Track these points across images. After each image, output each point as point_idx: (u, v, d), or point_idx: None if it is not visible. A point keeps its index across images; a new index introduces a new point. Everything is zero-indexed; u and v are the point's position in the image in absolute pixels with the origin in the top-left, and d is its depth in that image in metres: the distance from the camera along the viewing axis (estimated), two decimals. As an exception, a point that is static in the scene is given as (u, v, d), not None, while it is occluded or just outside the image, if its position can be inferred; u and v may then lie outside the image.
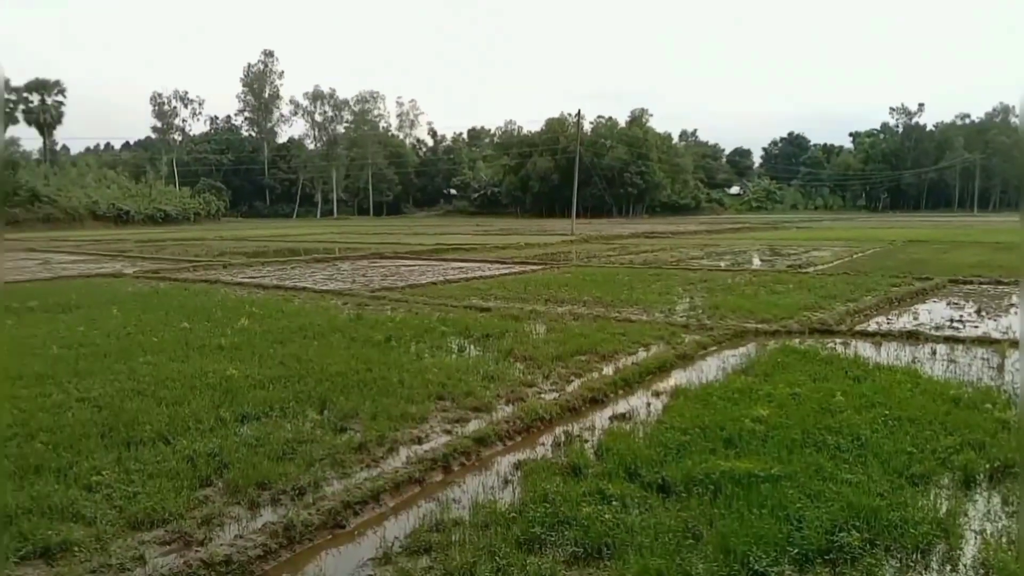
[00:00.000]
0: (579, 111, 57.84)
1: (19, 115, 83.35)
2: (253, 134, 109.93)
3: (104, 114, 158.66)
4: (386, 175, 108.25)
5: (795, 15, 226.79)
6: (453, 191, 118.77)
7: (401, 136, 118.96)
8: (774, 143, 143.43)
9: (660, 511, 5.11)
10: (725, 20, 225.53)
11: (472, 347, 10.93)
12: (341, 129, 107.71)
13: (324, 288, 18.51)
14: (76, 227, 64.30)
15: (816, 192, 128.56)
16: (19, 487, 5.42)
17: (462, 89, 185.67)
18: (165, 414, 7.17)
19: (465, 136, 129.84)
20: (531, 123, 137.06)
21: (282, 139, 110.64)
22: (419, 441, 6.78)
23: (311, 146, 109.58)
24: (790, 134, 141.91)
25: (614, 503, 5.19)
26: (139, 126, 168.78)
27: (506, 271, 22.73)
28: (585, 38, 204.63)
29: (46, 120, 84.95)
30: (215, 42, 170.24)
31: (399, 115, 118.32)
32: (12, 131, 78.46)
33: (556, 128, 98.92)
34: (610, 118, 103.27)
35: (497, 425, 7.08)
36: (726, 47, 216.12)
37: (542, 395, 8.34)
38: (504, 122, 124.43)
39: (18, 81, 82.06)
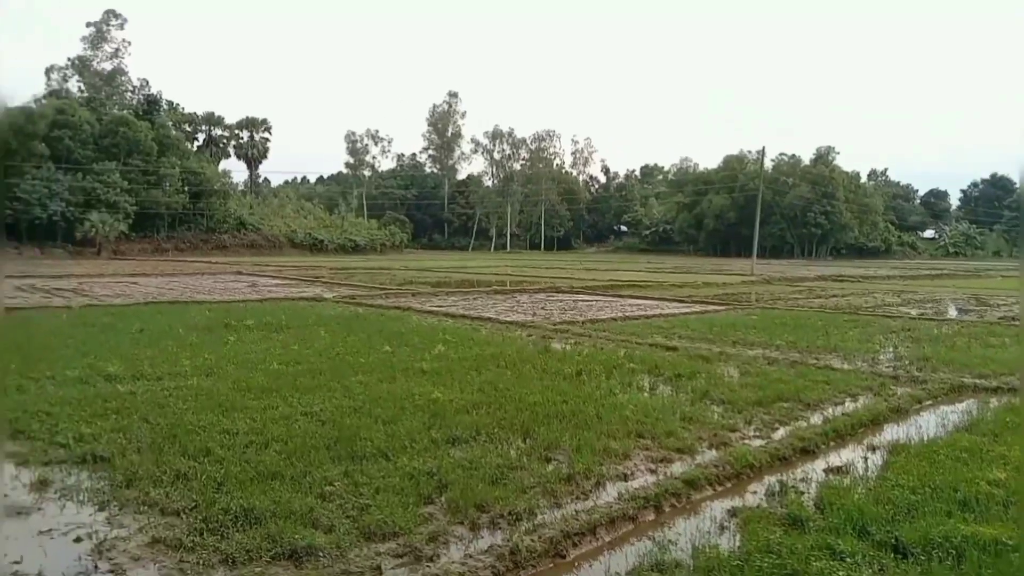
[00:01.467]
0: (762, 148, 56.18)
1: (231, 150, 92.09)
2: (435, 171, 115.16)
3: (302, 150, 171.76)
4: (558, 211, 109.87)
5: (994, 49, 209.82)
6: (624, 228, 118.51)
7: (575, 173, 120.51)
8: (974, 184, 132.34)
9: (898, 573, 4.77)
10: (919, 56, 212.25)
11: (663, 386, 10.79)
12: (517, 166, 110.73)
13: (508, 319, 18.95)
14: (276, 253, 69.78)
15: None
16: (262, 491, 5.88)
17: (636, 127, 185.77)
18: (382, 432, 7.57)
19: (638, 173, 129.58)
20: (707, 160, 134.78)
21: (461, 175, 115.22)
22: (625, 478, 6.75)
23: (488, 182, 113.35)
24: (992, 175, 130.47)
25: (847, 560, 4.90)
26: (332, 162, 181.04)
27: (687, 310, 22.31)
28: (765, 74, 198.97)
29: (253, 155, 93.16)
30: (406, 84, 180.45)
31: (574, 152, 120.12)
32: (224, 164, 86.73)
33: (734, 165, 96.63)
34: (793, 155, 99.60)
35: (705, 468, 6.91)
36: (920, 83, 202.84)
37: (746, 441, 8.07)
38: (679, 159, 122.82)
39: (231, 119, 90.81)
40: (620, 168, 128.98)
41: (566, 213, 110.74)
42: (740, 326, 17.95)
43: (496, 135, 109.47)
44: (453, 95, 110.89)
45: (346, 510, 5.58)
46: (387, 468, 6.51)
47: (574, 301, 25.16)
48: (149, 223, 64.90)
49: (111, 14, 73.04)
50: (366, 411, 8.42)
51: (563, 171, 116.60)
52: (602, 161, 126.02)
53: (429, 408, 8.59)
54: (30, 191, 56.21)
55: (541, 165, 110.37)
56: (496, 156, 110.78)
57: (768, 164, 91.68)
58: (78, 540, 5.19)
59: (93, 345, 12.90)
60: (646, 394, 10.20)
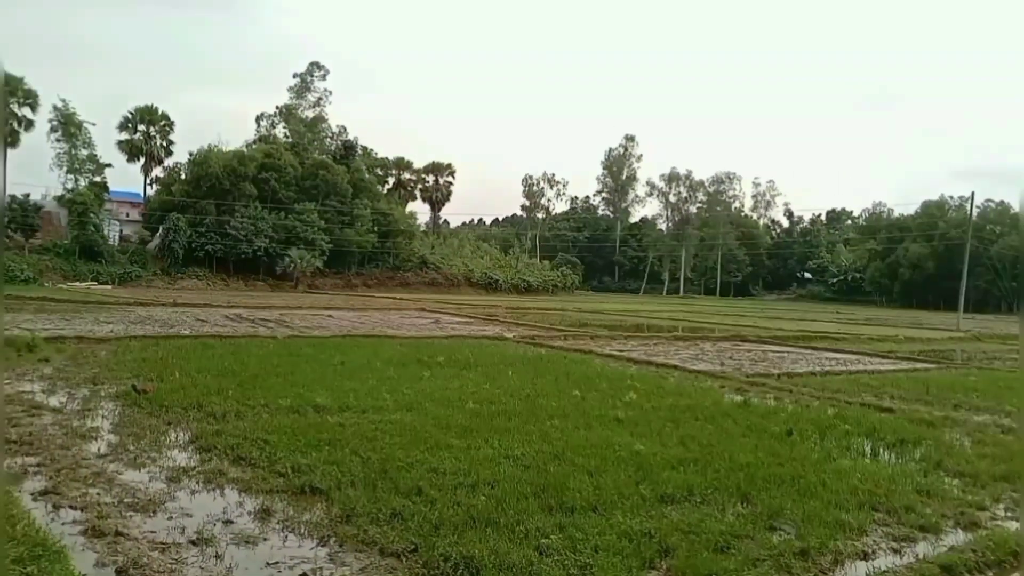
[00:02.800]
0: (972, 194, 51.50)
1: (417, 192, 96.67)
2: (608, 213, 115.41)
3: (478, 193, 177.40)
4: (736, 255, 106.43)
5: None
6: (807, 275, 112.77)
7: (755, 217, 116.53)
8: None
9: None
10: None
11: (886, 452, 9.79)
12: (694, 209, 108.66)
13: (695, 368, 18.18)
14: (454, 291, 72.07)
15: None
16: (478, 538, 5.70)
17: (822, 169, 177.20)
18: (588, 483, 7.25)
19: (823, 217, 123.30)
20: (902, 205, 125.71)
21: (634, 218, 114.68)
22: (865, 556, 6.04)
23: (662, 225, 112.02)
24: None
25: None
26: (505, 205, 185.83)
27: (892, 367, 20.54)
28: (967, 110, 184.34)
29: (437, 198, 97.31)
30: (582, 128, 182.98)
31: (754, 196, 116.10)
32: (411, 206, 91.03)
33: (933, 211, 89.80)
34: (1001, 202, 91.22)
35: (961, 552, 6.06)
36: None
37: (999, 522, 7.07)
38: (872, 204, 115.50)
39: (419, 164, 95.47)
40: (805, 212, 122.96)
41: (744, 258, 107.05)
42: (959, 388, 16.24)
43: (672, 177, 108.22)
44: (630, 138, 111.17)
45: (566, 568, 5.29)
46: (600, 524, 6.17)
47: (763, 351, 23.89)
48: (341, 259, 68.99)
49: (315, 66, 79.13)
50: (567, 459, 8.16)
51: (742, 214, 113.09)
52: (786, 204, 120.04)
53: (633, 461, 8.20)
54: (239, 228, 61.45)
55: (719, 208, 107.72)
56: (672, 199, 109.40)
57: (972, 211, 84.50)
58: (304, 576, 5.23)
59: (300, 375, 13.54)
60: (866, 460, 9.30)
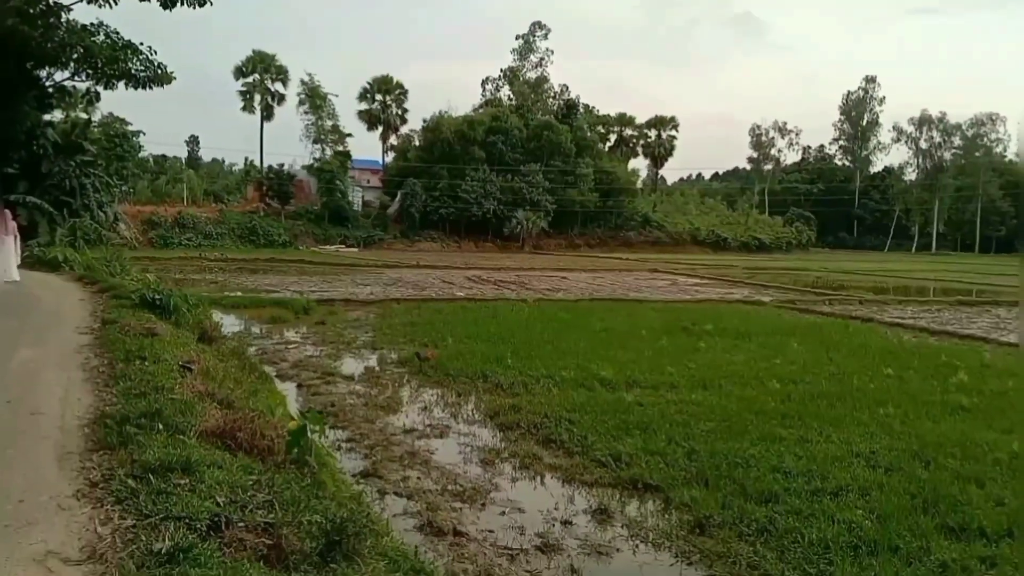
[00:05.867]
0: None
1: (639, 149, 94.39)
2: (846, 163, 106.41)
3: (696, 147, 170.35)
4: (999, 207, 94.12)
5: None
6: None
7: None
8: None
9: None
10: None
11: None
12: (948, 156, 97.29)
13: (1007, 340, 15.56)
14: (679, 250, 69.64)
15: None
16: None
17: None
18: (980, 496, 5.86)
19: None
20: None
21: (876, 167, 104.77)
22: None
23: (910, 175, 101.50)
24: None
25: None
26: (726, 158, 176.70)
27: None
28: None
29: (659, 153, 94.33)
30: (818, 74, 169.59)
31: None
32: (633, 163, 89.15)
33: None
34: None
35: None
36: None
37: None
38: None
39: (641, 119, 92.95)
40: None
41: (1009, 210, 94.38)
42: None
43: (923, 121, 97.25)
44: (870, 80, 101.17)
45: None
46: (1039, 562, 4.80)
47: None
48: (564, 220, 68.92)
49: (536, 25, 78.92)
50: (935, 460, 6.73)
51: (1007, 160, 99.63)
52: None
53: (1017, 466, 6.61)
54: (470, 191, 63.11)
55: (978, 154, 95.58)
56: (923, 145, 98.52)
57: None
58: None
59: (567, 343, 12.92)
60: None
